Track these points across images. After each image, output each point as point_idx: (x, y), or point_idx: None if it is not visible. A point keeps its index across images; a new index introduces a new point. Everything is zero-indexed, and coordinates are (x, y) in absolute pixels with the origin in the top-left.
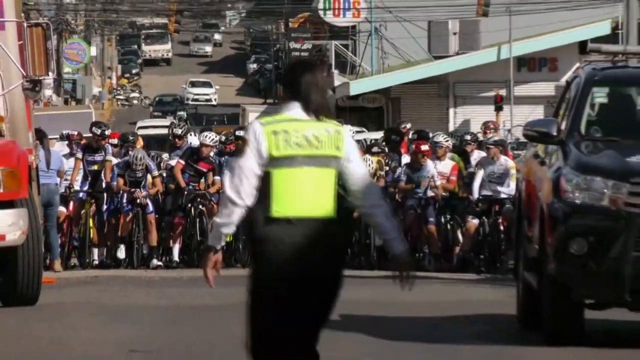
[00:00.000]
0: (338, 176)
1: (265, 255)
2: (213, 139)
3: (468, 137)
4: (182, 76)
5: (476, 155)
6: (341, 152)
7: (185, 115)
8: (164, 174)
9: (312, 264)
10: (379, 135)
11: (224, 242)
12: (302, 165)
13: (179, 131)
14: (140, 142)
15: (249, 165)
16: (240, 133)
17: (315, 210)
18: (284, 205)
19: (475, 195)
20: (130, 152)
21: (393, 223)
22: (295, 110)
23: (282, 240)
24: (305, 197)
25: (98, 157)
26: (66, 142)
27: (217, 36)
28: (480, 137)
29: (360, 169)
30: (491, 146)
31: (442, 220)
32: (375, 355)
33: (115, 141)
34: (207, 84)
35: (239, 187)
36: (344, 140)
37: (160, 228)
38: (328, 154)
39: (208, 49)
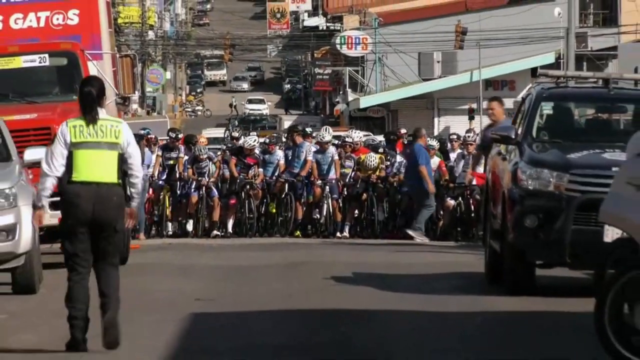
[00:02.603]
0: (121, 157)
1: (67, 203)
2: (250, 143)
3: (454, 137)
4: (235, 94)
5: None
6: (119, 139)
7: (236, 123)
8: (222, 164)
9: (96, 212)
10: (381, 137)
11: (45, 201)
12: (92, 148)
13: (236, 134)
14: (205, 141)
15: (58, 150)
16: (299, 127)
17: (102, 177)
18: (80, 173)
19: (456, 174)
20: (195, 146)
21: (136, 191)
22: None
23: (76, 195)
24: (95, 168)
25: (173, 155)
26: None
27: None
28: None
29: (133, 152)
30: (472, 143)
31: None
32: (379, 303)
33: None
34: (262, 101)
35: (51, 164)
36: (122, 132)
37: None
38: (110, 141)
39: (245, 85)
